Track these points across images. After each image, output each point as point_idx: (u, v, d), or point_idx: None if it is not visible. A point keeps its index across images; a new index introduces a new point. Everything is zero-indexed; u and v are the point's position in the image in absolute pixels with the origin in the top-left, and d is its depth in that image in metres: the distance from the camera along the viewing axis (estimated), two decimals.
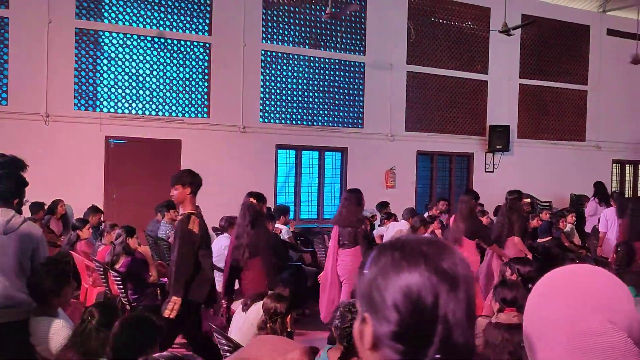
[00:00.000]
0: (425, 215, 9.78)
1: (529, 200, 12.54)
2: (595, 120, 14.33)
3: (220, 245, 7.04)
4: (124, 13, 9.82)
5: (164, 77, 10.15)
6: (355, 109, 11.77)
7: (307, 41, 11.35)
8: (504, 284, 4.80)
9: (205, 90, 10.44)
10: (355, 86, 11.76)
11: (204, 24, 10.40)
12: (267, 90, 10.96)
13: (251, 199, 5.73)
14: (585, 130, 14.30)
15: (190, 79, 10.35)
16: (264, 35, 10.88)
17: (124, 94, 9.88)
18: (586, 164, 14.06)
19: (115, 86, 9.81)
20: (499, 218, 7.70)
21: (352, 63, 11.72)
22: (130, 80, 9.92)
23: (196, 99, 10.39)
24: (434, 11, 12.51)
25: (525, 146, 13.39)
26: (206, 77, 10.44)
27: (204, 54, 10.42)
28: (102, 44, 9.71)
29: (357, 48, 11.75)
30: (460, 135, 12.76)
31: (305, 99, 11.32)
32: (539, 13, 13.35)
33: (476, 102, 12.96)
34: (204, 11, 10.40)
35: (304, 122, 11.33)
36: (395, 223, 9.00)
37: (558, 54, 13.91)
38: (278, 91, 11.07)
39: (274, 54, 11.01)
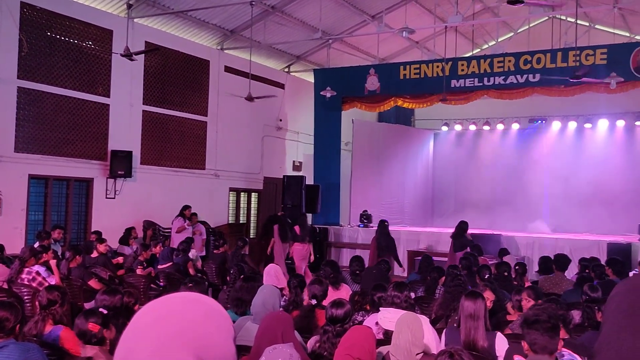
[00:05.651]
0: (36, 245, 8.91)
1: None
2: (214, 150, 15.28)
3: None
4: None
5: None
6: None
7: None
8: None
9: None
10: None
11: None
12: None
13: None
14: (205, 159, 15.11)
15: None
16: None
17: None
18: (207, 191, 14.85)
19: None
20: None
21: None
22: None
23: None
24: (50, 25, 11.59)
25: (148, 172, 13.39)
26: None
27: None
28: None
29: None
30: (80, 159, 12.01)
31: None
32: (163, 42, 13.67)
33: (97, 126, 12.42)
34: None
35: None
36: None
37: (181, 84, 14.42)
38: None
39: None
